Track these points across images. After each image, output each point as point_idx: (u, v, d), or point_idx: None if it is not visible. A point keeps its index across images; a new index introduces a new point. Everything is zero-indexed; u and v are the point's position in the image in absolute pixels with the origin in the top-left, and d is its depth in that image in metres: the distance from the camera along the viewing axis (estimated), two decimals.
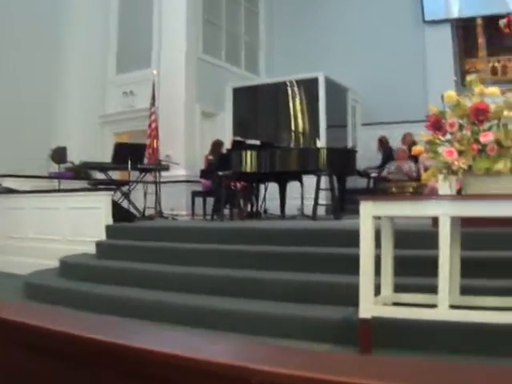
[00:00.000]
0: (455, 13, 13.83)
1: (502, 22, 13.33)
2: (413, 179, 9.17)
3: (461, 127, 3.75)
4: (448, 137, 3.80)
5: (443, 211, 3.60)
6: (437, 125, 3.82)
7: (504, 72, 13.71)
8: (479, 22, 13.77)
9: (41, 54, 12.56)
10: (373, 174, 11.23)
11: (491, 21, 13.51)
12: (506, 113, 3.61)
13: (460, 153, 3.65)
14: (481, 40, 13.84)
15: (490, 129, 3.65)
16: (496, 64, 13.82)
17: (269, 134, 12.26)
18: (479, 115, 3.64)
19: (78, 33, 13.39)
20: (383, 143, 12.25)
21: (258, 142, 10.27)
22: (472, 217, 3.81)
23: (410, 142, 10.61)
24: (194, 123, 12.76)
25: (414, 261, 4.83)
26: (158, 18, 13.07)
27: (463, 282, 4.16)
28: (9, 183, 10.08)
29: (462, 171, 3.65)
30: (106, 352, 1.27)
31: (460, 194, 3.86)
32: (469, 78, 3.88)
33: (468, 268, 4.25)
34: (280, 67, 15.10)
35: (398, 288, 4.29)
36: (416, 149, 4.12)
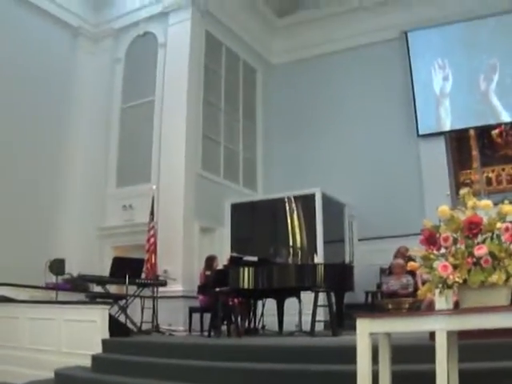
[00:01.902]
0: (448, 126, 14.16)
1: (495, 133, 13.73)
2: (410, 294, 9.11)
3: (455, 241, 3.78)
4: (442, 251, 3.82)
5: (440, 326, 3.58)
6: (431, 240, 3.85)
7: (498, 182, 13.92)
8: (472, 133, 14.10)
9: (43, 166, 12.94)
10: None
11: (483, 131, 13.90)
12: (499, 225, 3.65)
13: (455, 267, 3.66)
14: (474, 151, 14.12)
15: (483, 241, 3.68)
16: (490, 174, 14.05)
17: (267, 250, 12.26)
18: (473, 228, 3.68)
19: (79, 147, 13.82)
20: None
21: (255, 258, 10.28)
22: (469, 330, 3.78)
23: (405, 255, 10.60)
24: (193, 239, 12.82)
25: (412, 376, 4.74)
26: (158, 133, 13.44)
27: None
28: (5, 292, 9.99)
29: (458, 285, 3.65)
30: None
31: (457, 307, 3.84)
32: (462, 191, 3.95)
33: (467, 380, 4.17)
34: (277, 183, 15.32)
35: None
36: (411, 264, 4.13)
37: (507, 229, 3.61)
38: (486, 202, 3.79)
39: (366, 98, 14.98)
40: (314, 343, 6.96)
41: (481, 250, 3.57)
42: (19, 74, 12.49)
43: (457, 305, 3.92)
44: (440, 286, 3.74)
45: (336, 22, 15.63)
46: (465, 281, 3.64)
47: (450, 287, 3.69)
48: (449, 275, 3.63)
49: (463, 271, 3.63)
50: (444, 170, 13.99)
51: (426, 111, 14.39)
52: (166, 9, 13.97)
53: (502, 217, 3.72)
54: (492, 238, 3.68)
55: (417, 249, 4.04)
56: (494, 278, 3.50)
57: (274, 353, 6.47)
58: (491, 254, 3.59)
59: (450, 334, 3.65)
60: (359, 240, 14.56)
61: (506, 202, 3.83)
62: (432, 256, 3.81)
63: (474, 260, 3.63)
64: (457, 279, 3.62)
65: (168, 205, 12.66)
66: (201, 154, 13.64)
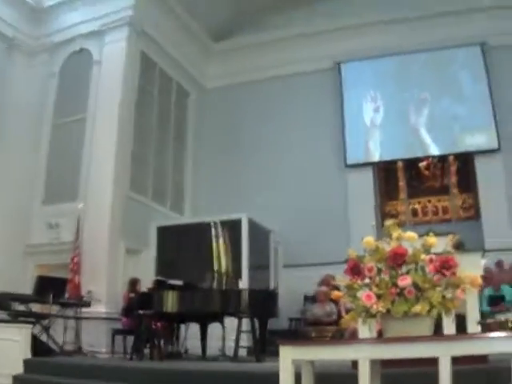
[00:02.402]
0: (376, 156, 14.46)
1: (422, 165, 14.10)
2: (333, 322, 9.21)
3: (379, 271, 3.86)
4: (367, 281, 3.89)
5: (362, 355, 3.64)
6: (355, 269, 3.92)
7: (424, 213, 14.27)
8: (400, 164, 14.45)
9: None
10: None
11: (411, 163, 14.26)
12: (423, 256, 3.75)
13: (378, 296, 3.73)
14: (401, 183, 14.46)
15: (408, 272, 3.77)
16: (416, 205, 14.40)
17: (191, 274, 12.17)
18: (397, 259, 3.77)
19: (7, 159, 13.42)
20: None
21: (180, 283, 10.24)
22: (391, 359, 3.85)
23: (330, 283, 10.69)
24: (118, 260, 12.65)
25: None
26: (88, 151, 13.27)
27: None
28: None
29: (381, 314, 3.72)
30: None
31: (380, 336, 3.92)
32: (387, 222, 4.04)
33: None
34: (205, 207, 15.33)
35: None
36: (335, 293, 4.20)
37: (431, 260, 3.72)
38: (411, 234, 3.89)
39: (297, 126, 15.20)
40: (237, 369, 6.96)
41: (404, 281, 3.66)
42: None
43: (380, 334, 4.00)
44: (363, 315, 3.81)
45: (271, 49, 15.89)
46: (388, 310, 3.71)
47: (373, 316, 3.76)
48: (372, 305, 3.70)
49: (387, 301, 3.71)
50: (370, 200, 14.28)
51: (355, 142, 14.68)
52: (102, 26, 13.86)
53: (426, 248, 3.82)
54: (416, 269, 3.77)
55: (341, 278, 4.11)
56: (418, 308, 3.58)
57: (196, 378, 6.46)
58: (415, 284, 3.68)
59: (373, 362, 3.71)
60: (284, 266, 14.65)
61: (431, 234, 3.94)
62: (356, 286, 3.87)
63: (398, 290, 3.71)
64: (380, 309, 3.69)
65: (94, 224, 12.48)
66: (129, 174, 13.54)
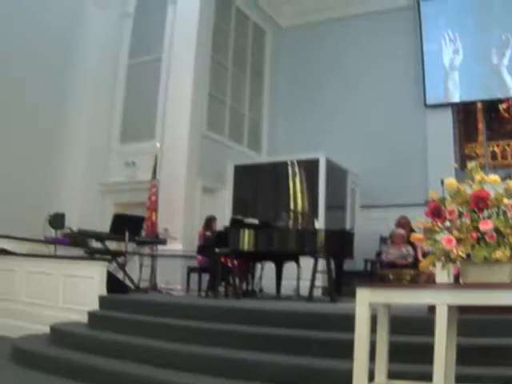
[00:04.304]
0: (456, 98, 14.02)
1: (502, 107, 13.60)
2: (409, 265, 9.09)
3: (460, 214, 3.73)
4: (447, 224, 3.76)
5: (441, 300, 3.54)
6: (436, 212, 3.79)
7: (503, 156, 13.83)
8: (479, 106, 13.97)
9: (46, 117, 12.80)
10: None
11: (491, 105, 13.76)
12: (505, 201, 3.59)
13: (459, 241, 3.61)
14: (480, 125, 14.00)
15: (489, 217, 3.63)
16: (495, 148, 13.96)
17: (268, 213, 12.26)
18: (479, 203, 3.62)
19: (84, 101, 13.63)
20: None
21: (256, 221, 10.26)
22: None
23: (405, 225, 10.54)
24: (194, 198, 12.78)
25: (409, 347, 4.74)
26: (164, 90, 13.31)
27: (459, 370, 4.06)
28: (4, 244, 9.95)
29: (461, 259, 3.61)
30: None
31: (457, 281, 3.81)
32: (470, 165, 3.88)
33: (464, 355, 4.16)
34: (282, 146, 15.27)
35: (393, 375, 4.19)
36: (415, 235, 4.06)
37: None
38: (494, 177, 3.73)
39: (374, 66, 14.84)
40: (312, 309, 6.94)
41: (486, 225, 3.52)
42: (20, 26, 12.19)
43: (457, 279, 3.89)
44: (443, 259, 3.70)
45: None
46: (468, 255, 3.59)
47: (452, 261, 3.65)
48: (452, 249, 3.58)
49: (467, 246, 3.58)
50: (449, 142, 13.88)
51: (434, 82, 14.23)
52: None
53: (509, 193, 3.66)
54: (498, 214, 3.62)
55: (421, 220, 3.98)
56: (498, 254, 3.45)
57: (271, 317, 6.46)
58: (496, 229, 3.54)
59: (450, 308, 3.61)
60: (361, 207, 14.53)
61: None
62: (436, 228, 3.76)
63: (479, 235, 3.58)
64: (460, 253, 3.57)
65: (171, 163, 12.58)
66: (206, 113, 13.56)
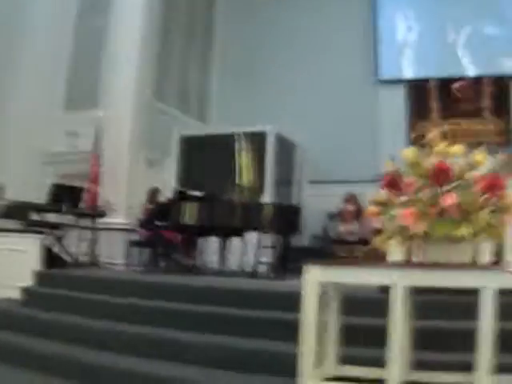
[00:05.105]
0: (410, 74, 13.86)
1: (455, 87, 13.46)
2: (356, 242, 8.91)
3: (419, 188, 3.44)
4: (404, 198, 3.47)
5: (398, 280, 3.24)
6: (393, 184, 3.49)
7: (454, 136, 13.68)
8: (432, 84, 13.79)
9: None
10: None
11: (445, 84, 13.60)
12: (469, 174, 3.31)
13: (417, 216, 3.32)
14: (433, 103, 13.84)
15: (449, 191, 3.34)
16: (446, 128, 13.83)
17: (214, 186, 11.88)
18: (440, 176, 3.33)
19: (29, 65, 12.90)
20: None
21: (200, 194, 9.92)
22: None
23: (354, 202, 10.39)
24: (138, 170, 12.24)
25: (360, 330, 4.45)
26: (110, 54, 12.62)
27: (414, 356, 3.79)
28: None
29: (419, 236, 3.31)
30: None
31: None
32: (430, 134, 3.59)
33: (419, 340, 3.89)
34: (230, 117, 14.82)
35: (343, 360, 3.91)
36: (370, 210, 3.73)
37: (480, 179, 3.27)
38: (459, 147, 3.44)
39: (326, 38, 14.45)
40: (257, 286, 6.67)
41: (449, 200, 3.23)
42: None
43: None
44: (398, 236, 3.41)
45: None
46: (425, 233, 3.31)
47: (410, 238, 3.36)
48: (410, 225, 3.29)
49: (426, 221, 3.30)
50: (401, 119, 13.70)
51: (387, 58, 14.02)
52: None
53: (473, 166, 3.38)
54: (461, 188, 3.33)
55: (375, 192, 3.69)
56: (463, 230, 3.16)
57: (213, 293, 6.17)
58: (459, 205, 3.26)
59: (406, 288, 3.33)
60: (309, 183, 14.28)
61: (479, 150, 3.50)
62: (393, 202, 3.46)
63: (439, 210, 3.29)
64: (419, 230, 3.28)
65: (115, 133, 11.97)
66: (153, 80, 13.00)
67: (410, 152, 3.53)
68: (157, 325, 5.59)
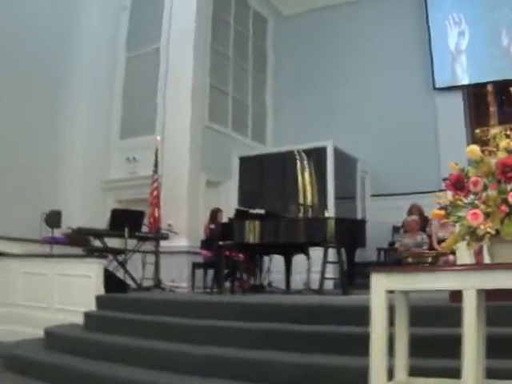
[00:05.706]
0: (465, 80, 13.54)
1: None
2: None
3: (485, 187, 3.26)
4: (471, 198, 3.29)
5: (470, 284, 3.05)
6: (459, 184, 3.32)
7: None
8: (490, 89, 13.43)
9: (45, 114, 12.32)
10: None
11: (503, 88, 13.22)
12: None
13: (486, 215, 3.14)
14: (492, 108, 13.47)
15: None
16: (508, 132, 13.42)
17: (275, 205, 11.82)
18: (507, 172, 3.15)
19: (82, 96, 13.22)
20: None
21: (262, 211, 9.82)
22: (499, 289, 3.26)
23: (419, 213, 10.18)
24: (198, 192, 12.33)
25: (432, 340, 4.27)
26: (163, 82, 12.85)
27: (488, 364, 3.58)
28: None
29: (489, 236, 3.13)
30: None
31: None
32: (493, 131, 3.42)
33: (494, 347, 3.67)
34: (287, 136, 14.79)
35: (415, 372, 3.73)
36: (436, 212, 3.55)
37: None
38: None
39: (379, 51, 14.37)
40: (323, 302, 6.51)
41: None
42: (16, 22, 11.77)
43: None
44: (468, 237, 3.23)
45: None
46: (497, 231, 3.12)
47: (479, 239, 3.17)
48: (480, 225, 3.11)
49: (496, 221, 3.11)
50: (461, 126, 13.37)
51: (441, 65, 13.76)
52: None
53: None
54: None
55: (440, 194, 3.51)
56: None
57: (280, 311, 6.03)
58: None
59: (479, 293, 3.13)
60: (371, 196, 14.09)
61: None
62: (460, 202, 3.28)
63: (508, 209, 3.11)
64: (489, 229, 3.10)
65: (173, 157, 12.13)
66: (208, 104, 13.12)
67: (473, 148, 3.35)
68: (219, 344, 5.50)
